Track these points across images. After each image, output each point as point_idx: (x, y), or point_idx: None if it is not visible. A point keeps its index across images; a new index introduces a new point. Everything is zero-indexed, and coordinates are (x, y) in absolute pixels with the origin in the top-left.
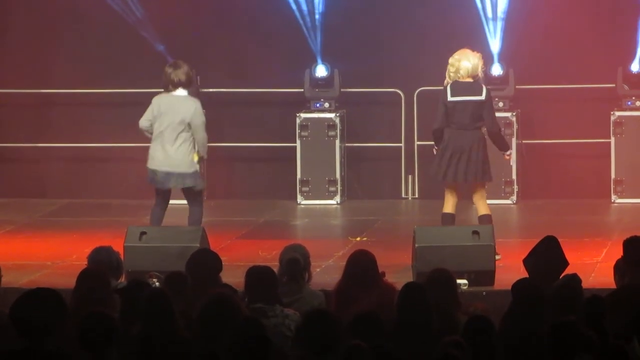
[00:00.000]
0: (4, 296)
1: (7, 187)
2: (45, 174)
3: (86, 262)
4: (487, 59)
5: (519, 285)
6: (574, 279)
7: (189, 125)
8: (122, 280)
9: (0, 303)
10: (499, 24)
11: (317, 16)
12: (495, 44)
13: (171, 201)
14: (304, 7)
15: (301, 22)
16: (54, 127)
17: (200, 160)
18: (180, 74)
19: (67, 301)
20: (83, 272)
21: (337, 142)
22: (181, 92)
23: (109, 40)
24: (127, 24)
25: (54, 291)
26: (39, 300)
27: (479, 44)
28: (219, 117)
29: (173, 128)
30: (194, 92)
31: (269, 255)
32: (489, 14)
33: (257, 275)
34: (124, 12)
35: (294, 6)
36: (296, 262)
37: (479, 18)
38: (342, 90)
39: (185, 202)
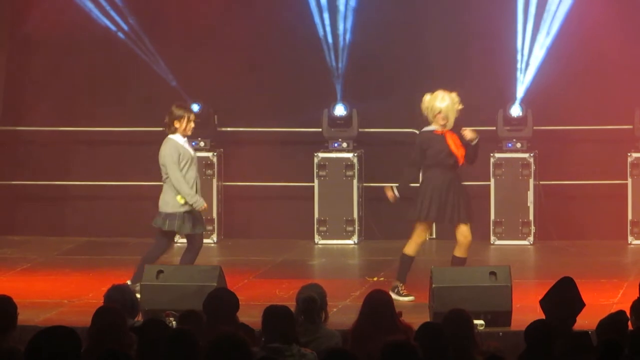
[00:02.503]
0: (20, 334)
1: (26, 224)
2: (64, 212)
3: (103, 301)
4: (508, 100)
5: (533, 326)
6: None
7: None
8: (139, 318)
9: (17, 341)
10: (522, 67)
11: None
12: (520, 86)
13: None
14: (324, 46)
15: (321, 62)
16: (74, 166)
17: (187, 204)
18: (166, 117)
19: (83, 339)
20: (99, 310)
21: (355, 181)
22: (172, 135)
23: (128, 80)
24: (148, 64)
25: (70, 329)
26: (54, 338)
27: (496, 86)
28: (236, 156)
29: (161, 169)
30: (211, 132)
31: (286, 295)
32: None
33: (274, 315)
34: (146, 54)
35: (313, 46)
36: (313, 302)
37: (495, 60)
38: (360, 130)
39: (204, 240)
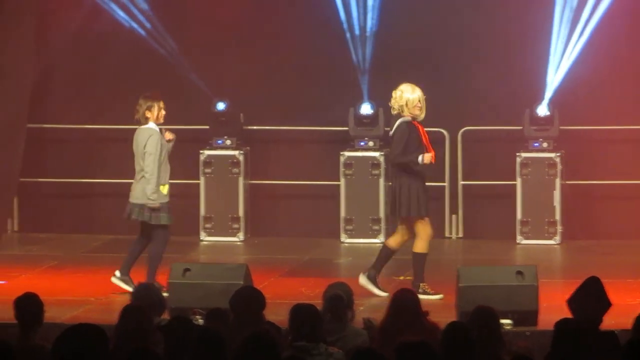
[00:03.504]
0: (46, 331)
1: (52, 222)
2: (90, 209)
3: (130, 299)
4: (534, 100)
5: (560, 324)
6: None
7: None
8: (165, 317)
9: (43, 338)
10: (553, 67)
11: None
12: (548, 87)
13: (216, 238)
14: (350, 46)
15: (347, 60)
16: (100, 163)
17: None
18: (137, 110)
19: (110, 337)
20: (126, 308)
21: (381, 180)
22: (144, 125)
23: (154, 79)
24: (173, 63)
25: (97, 327)
26: (81, 336)
27: (525, 85)
28: (262, 154)
29: (136, 160)
30: (237, 130)
31: (312, 293)
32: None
33: (300, 313)
34: (171, 53)
35: (339, 45)
36: (340, 300)
37: (522, 59)
38: (386, 129)
39: (230, 238)
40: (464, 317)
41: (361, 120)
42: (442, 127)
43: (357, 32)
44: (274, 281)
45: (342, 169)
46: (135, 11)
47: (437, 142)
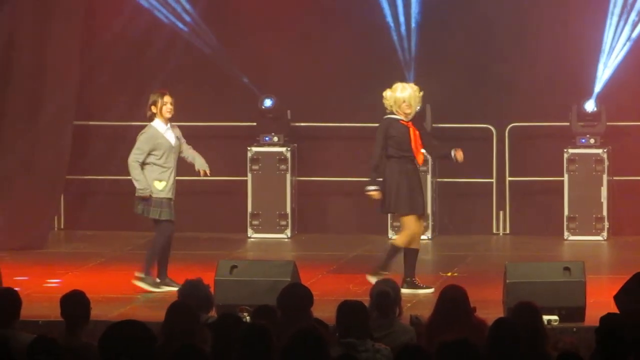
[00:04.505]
0: (94, 329)
1: (98, 219)
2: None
3: (177, 296)
4: (582, 96)
5: (606, 320)
6: None
7: (148, 153)
8: (212, 314)
9: (90, 336)
10: (603, 63)
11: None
12: (596, 82)
13: (263, 235)
14: (397, 40)
15: (394, 56)
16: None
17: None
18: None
19: (157, 334)
20: (172, 306)
21: (429, 177)
22: (153, 122)
23: (199, 76)
24: (219, 60)
25: (142, 324)
26: (127, 333)
27: (572, 81)
28: (310, 151)
29: None
30: (284, 127)
31: (359, 290)
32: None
33: (348, 310)
34: (217, 50)
35: (386, 40)
36: (387, 296)
37: (570, 55)
38: (433, 125)
39: (277, 235)
40: (511, 313)
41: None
42: (489, 124)
43: (403, 28)
44: (322, 278)
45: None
46: (180, 9)
47: (484, 139)
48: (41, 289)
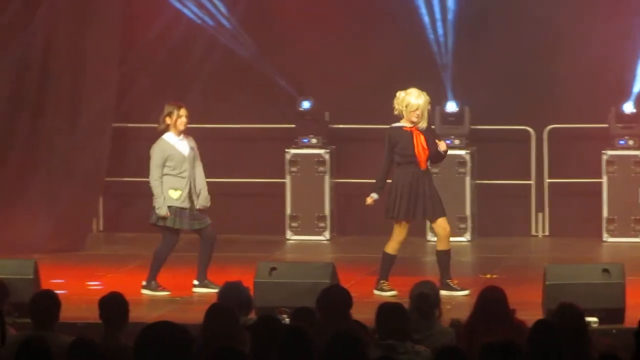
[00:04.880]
0: (132, 331)
1: (137, 221)
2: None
3: (216, 298)
4: (622, 97)
5: None
6: None
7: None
8: (252, 316)
9: (129, 338)
10: None
11: (449, 51)
12: (636, 84)
13: (302, 236)
14: (435, 42)
15: (433, 58)
16: None
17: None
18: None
19: (195, 336)
20: (211, 308)
21: (468, 179)
22: (165, 134)
23: (237, 79)
24: (257, 63)
25: (179, 325)
26: (162, 334)
27: (611, 82)
28: (348, 153)
29: None
30: (323, 129)
31: (399, 292)
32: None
33: (387, 312)
34: (254, 53)
35: (424, 42)
36: (426, 298)
37: (611, 56)
38: (472, 127)
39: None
40: (550, 315)
41: (447, 118)
42: (528, 125)
43: (440, 31)
44: (361, 280)
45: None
46: (218, 14)
47: (523, 140)
48: (80, 291)
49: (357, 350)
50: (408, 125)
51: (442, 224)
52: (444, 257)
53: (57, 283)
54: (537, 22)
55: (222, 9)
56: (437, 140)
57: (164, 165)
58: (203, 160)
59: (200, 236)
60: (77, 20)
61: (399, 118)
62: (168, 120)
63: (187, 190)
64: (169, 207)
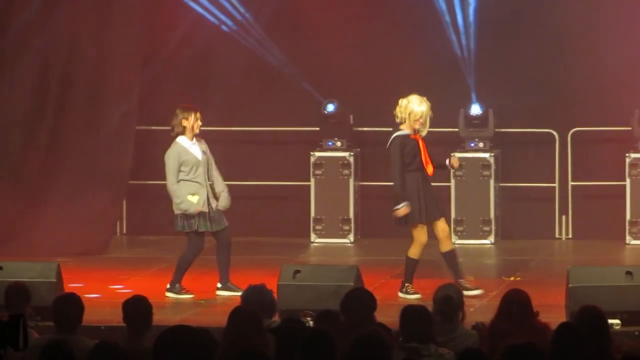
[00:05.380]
0: (155, 334)
1: (161, 224)
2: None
3: (240, 301)
4: None
5: None
6: None
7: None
8: (276, 319)
9: (152, 341)
10: None
11: (471, 55)
12: None
13: (327, 239)
14: (458, 46)
15: (457, 61)
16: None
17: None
18: (173, 119)
19: (219, 339)
20: (235, 311)
21: (492, 181)
22: (179, 138)
23: (265, 81)
24: (281, 66)
25: (199, 328)
26: (180, 338)
27: (635, 85)
28: (372, 155)
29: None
30: (347, 132)
31: (423, 294)
32: None
33: (411, 314)
34: (278, 56)
35: (448, 45)
36: (450, 301)
37: (635, 59)
38: (496, 130)
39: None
40: (574, 317)
41: (471, 121)
42: (552, 128)
43: (463, 36)
44: (385, 282)
45: (452, 170)
46: (240, 17)
47: (547, 143)
48: (103, 294)
49: (381, 353)
50: (411, 132)
51: (443, 225)
52: (451, 258)
53: (80, 286)
54: (560, 26)
55: (247, 14)
56: (452, 157)
57: (179, 170)
58: (229, 163)
59: (216, 239)
60: (100, 22)
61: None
62: (185, 123)
63: (204, 194)
64: (177, 215)
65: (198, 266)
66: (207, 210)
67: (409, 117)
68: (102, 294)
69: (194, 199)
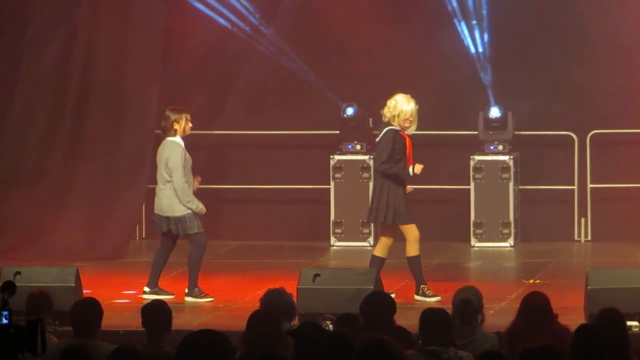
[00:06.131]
0: (175, 338)
1: None
2: (219, 215)
3: (259, 304)
4: None
5: None
6: None
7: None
8: (295, 322)
9: (172, 345)
10: None
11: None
12: None
13: (346, 243)
14: (473, 50)
15: (474, 64)
16: (228, 169)
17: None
18: (163, 122)
19: (238, 343)
20: (254, 314)
21: (511, 184)
22: (170, 137)
23: (285, 85)
24: (301, 70)
25: (221, 333)
26: (204, 342)
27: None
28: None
29: (159, 172)
30: (366, 135)
31: (442, 297)
32: None
33: (431, 317)
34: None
35: (466, 49)
36: (469, 303)
37: None
38: (515, 132)
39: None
40: (593, 319)
41: (490, 124)
42: (571, 131)
43: (479, 39)
44: (404, 286)
45: (472, 172)
46: (258, 23)
47: (566, 145)
48: (122, 298)
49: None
50: (401, 130)
51: (414, 228)
52: (415, 263)
53: (99, 290)
54: (579, 28)
55: (266, 21)
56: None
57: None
58: (248, 167)
59: (192, 241)
60: (118, 26)
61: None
62: (176, 126)
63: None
64: (180, 217)
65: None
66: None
67: (398, 117)
68: (121, 298)
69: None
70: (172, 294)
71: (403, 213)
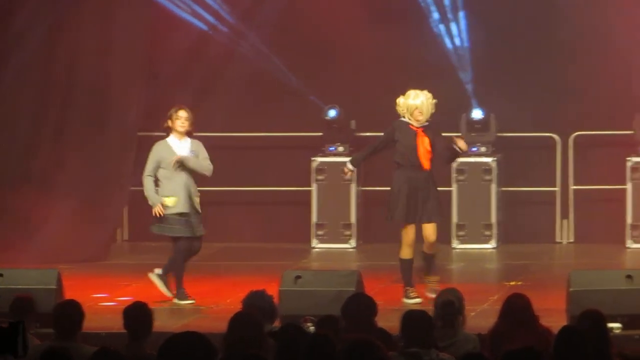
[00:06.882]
0: (157, 340)
1: None
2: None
3: (241, 306)
4: None
5: None
6: None
7: (157, 167)
8: (277, 324)
9: (153, 347)
10: None
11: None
12: None
13: (328, 245)
14: (455, 52)
15: (456, 66)
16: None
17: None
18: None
19: (220, 345)
20: (236, 316)
21: (494, 186)
22: (168, 137)
23: (264, 86)
24: (283, 73)
25: (203, 335)
26: (186, 344)
27: (636, 89)
28: (374, 161)
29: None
30: (349, 137)
31: (423, 300)
32: None
33: (412, 319)
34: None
35: (449, 51)
36: (451, 305)
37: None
38: (498, 134)
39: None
40: (574, 321)
41: (473, 125)
42: (553, 132)
43: (459, 41)
44: (386, 287)
45: (454, 174)
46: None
47: (548, 147)
48: (104, 300)
49: (377, 357)
50: (415, 124)
51: (431, 229)
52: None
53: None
54: (562, 29)
55: (248, 24)
56: (455, 138)
57: (158, 167)
58: (230, 169)
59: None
60: (104, 31)
61: None
62: (169, 123)
63: (183, 196)
64: (166, 215)
65: (203, 271)
66: (188, 212)
67: (408, 112)
68: (102, 301)
69: (170, 201)
70: (193, 299)
71: (398, 213)
